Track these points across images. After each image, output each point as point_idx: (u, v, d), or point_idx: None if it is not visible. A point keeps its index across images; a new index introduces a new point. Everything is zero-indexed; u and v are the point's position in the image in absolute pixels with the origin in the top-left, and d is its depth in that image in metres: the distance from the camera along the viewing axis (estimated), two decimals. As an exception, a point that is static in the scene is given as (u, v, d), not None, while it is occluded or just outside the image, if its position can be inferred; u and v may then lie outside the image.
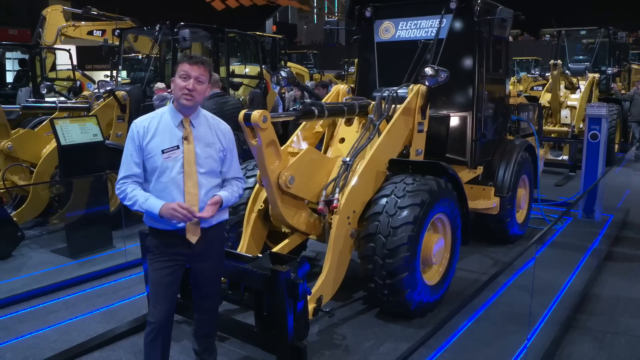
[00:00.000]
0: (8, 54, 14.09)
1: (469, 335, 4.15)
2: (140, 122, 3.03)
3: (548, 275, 5.22)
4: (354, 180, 4.25)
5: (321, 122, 5.04)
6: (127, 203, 2.95)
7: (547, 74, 12.53)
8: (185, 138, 3.00)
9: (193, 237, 3.02)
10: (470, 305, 4.41)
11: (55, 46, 14.35)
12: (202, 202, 3.02)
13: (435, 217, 4.43)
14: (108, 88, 7.91)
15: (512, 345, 3.97)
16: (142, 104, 8.01)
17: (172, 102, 3.09)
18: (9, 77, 14.32)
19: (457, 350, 3.92)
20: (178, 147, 2.98)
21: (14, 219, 6.29)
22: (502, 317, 4.43)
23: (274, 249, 4.17)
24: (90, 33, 14.96)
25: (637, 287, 5.06)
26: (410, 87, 4.96)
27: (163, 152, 2.95)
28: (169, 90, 7.24)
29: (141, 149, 2.97)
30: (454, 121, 5.59)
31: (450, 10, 5.38)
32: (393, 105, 4.84)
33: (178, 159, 2.97)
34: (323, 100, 5.01)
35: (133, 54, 12.39)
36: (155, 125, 3.00)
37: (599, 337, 4.14)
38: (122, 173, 2.99)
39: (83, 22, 15.00)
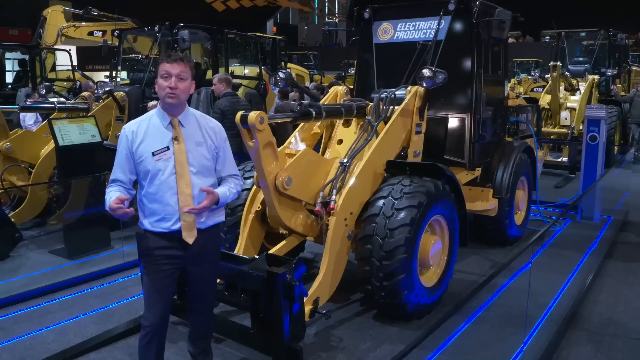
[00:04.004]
0: (8, 54, 14.14)
1: (466, 337, 4.14)
2: (129, 127, 3.00)
3: (546, 277, 5.21)
4: (351, 182, 4.24)
5: (319, 123, 5.04)
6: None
7: (547, 76, 12.52)
8: (175, 138, 2.96)
9: (189, 238, 2.99)
10: (467, 307, 4.41)
11: (55, 47, 14.38)
12: (197, 203, 2.98)
13: (432, 219, 4.43)
14: (107, 89, 7.92)
15: (510, 348, 3.97)
16: (141, 104, 8.01)
17: (159, 104, 3.04)
18: (9, 78, 14.34)
19: (454, 352, 3.91)
20: (168, 148, 2.95)
21: (12, 219, 6.30)
22: (500, 319, 4.42)
23: (271, 251, 4.17)
24: (91, 34, 15.02)
25: (635, 290, 5.05)
26: (409, 88, 4.96)
27: (153, 154, 2.93)
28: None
29: (131, 154, 2.95)
30: (453, 123, 5.58)
31: (449, 12, 5.37)
32: (391, 107, 4.84)
33: (169, 160, 2.94)
34: (321, 102, 5.01)
35: (133, 55, 12.40)
36: (145, 129, 2.97)
37: (596, 339, 4.13)
38: (110, 177, 2.98)
39: (83, 23, 15.06)
